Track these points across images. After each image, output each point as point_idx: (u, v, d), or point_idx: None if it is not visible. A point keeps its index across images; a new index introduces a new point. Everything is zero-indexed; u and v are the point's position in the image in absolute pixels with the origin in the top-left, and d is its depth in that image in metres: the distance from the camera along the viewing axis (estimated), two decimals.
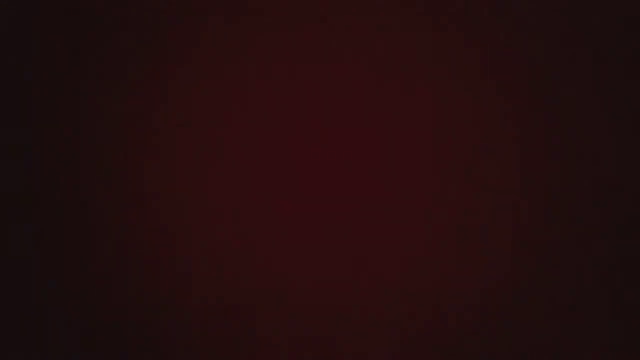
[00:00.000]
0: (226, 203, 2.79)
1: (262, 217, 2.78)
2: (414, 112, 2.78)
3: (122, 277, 2.78)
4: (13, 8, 2.79)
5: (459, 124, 2.76)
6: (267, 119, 2.79)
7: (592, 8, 2.76)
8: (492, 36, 2.77)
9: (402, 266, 2.76)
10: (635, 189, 2.73)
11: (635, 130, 2.74)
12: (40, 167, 2.80)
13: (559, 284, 2.74)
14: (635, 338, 2.72)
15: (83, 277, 2.79)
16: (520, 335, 2.74)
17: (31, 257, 2.79)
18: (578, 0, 2.76)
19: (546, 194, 2.75)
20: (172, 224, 2.79)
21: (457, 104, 2.77)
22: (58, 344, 2.78)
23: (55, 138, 2.80)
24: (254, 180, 2.79)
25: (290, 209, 2.78)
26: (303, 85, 2.79)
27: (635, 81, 2.75)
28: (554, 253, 2.75)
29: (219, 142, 2.79)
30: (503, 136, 2.76)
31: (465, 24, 2.77)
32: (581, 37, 2.76)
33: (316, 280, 2.76)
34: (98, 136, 2.80)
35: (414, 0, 2.78)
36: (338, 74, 2.79)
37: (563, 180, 2.75)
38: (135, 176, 2.80)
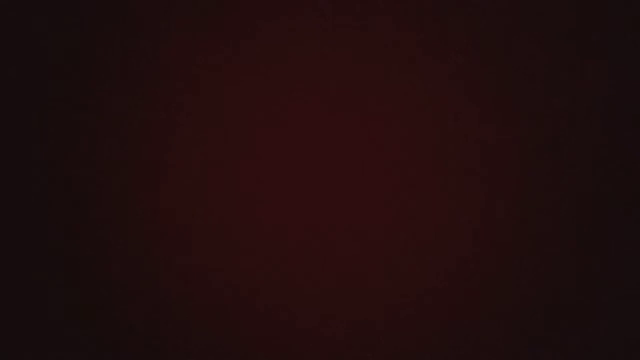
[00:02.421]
0: (229, 203, 2.79)
1: (264, 218, 2.78)
2: (405, 112, 2.78)
3: (125, 277, 2.79)
4: (14, 8, 2.79)
5: (453, 125, 2.77)
6: (271, 120, 2.80)
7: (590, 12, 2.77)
8: (487, 38, 2.78)
9: (400, 267, 2.76)
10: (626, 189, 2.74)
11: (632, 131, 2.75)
12: (52, 167, 2.80)
13: (554, 283, 2.75)
14: (627, 337, 2.73)
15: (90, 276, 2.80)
16: (514, 333, 2.74)
17: (48, 254, 2.79)
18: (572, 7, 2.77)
19: (543, 194, 2.76)
20: (173, 224, 2.79)
21: (449, 105, 2.77)
22: (75, 342, 2.78)
23: (63, 139, 2.81)
24: (258, 180, 2.79)
25: (290, 208, 2.78)
26: (304, 86, 2.80)
27: (632, 83, 2.75)
28: (549, 252, 2.75)
29: (225, 142, 2.80)
30: (494, 137, 2.76)
31: (460, 25, 2.78)
32: (577, 40, 2.77)
33: (318, 278, 2.77)
34: (100, 136, 2.81)
35: (410, 3, 2.79)
36: (336, 77, 2.79)
37: (556, 181, 2.76)
38: (140, 175, 2.80)
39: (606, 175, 2.75)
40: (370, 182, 2.78)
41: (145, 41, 2.81)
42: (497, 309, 2.75)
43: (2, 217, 2.80)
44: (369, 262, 2.76)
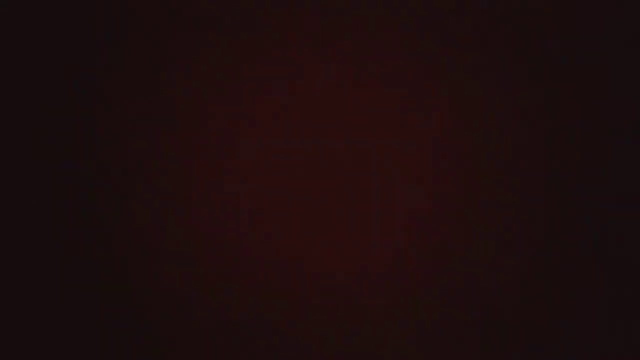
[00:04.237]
0: (229, 206, 2.79)
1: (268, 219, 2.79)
2: (404, 111, 2.78)
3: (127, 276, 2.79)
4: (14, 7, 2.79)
5: (451, 125, 2.77)
6: (275, 122, 2.80)
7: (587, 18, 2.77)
8: (487, 36, 2.78)
9: (400, 268, 2.77)
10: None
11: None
12: (65, 169, 2.80)
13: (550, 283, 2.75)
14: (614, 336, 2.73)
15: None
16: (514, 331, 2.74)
17: (68, 256, 2.79)
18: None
19: (542, 194, 2.76)
20: (178, 224, 2.79)
21: (448, 103, 2.77)
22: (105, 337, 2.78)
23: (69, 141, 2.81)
24: (259, 179, 2.79)
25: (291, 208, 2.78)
26: (306, 88, 2.80)
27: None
28: (549, 253, 2.75)
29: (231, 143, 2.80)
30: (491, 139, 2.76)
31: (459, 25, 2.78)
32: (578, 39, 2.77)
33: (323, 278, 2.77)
34: (98, 137, 2.81)
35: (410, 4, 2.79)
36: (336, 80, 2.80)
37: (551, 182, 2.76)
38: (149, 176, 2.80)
39: (588, 177, 2.75)
40: (368, 181, 2.78)
41: (147, 40, 2.81)
42: (494, 308, 2.75)
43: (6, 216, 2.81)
44: (368, 260, 2.77)
